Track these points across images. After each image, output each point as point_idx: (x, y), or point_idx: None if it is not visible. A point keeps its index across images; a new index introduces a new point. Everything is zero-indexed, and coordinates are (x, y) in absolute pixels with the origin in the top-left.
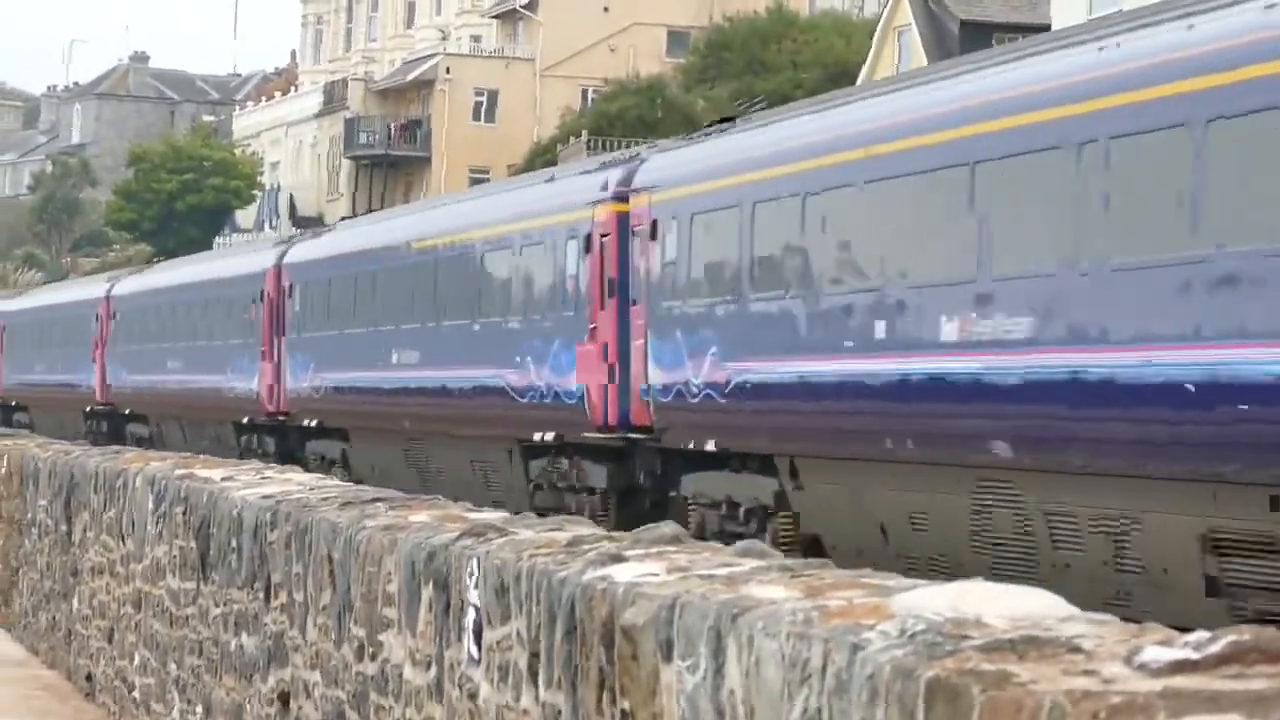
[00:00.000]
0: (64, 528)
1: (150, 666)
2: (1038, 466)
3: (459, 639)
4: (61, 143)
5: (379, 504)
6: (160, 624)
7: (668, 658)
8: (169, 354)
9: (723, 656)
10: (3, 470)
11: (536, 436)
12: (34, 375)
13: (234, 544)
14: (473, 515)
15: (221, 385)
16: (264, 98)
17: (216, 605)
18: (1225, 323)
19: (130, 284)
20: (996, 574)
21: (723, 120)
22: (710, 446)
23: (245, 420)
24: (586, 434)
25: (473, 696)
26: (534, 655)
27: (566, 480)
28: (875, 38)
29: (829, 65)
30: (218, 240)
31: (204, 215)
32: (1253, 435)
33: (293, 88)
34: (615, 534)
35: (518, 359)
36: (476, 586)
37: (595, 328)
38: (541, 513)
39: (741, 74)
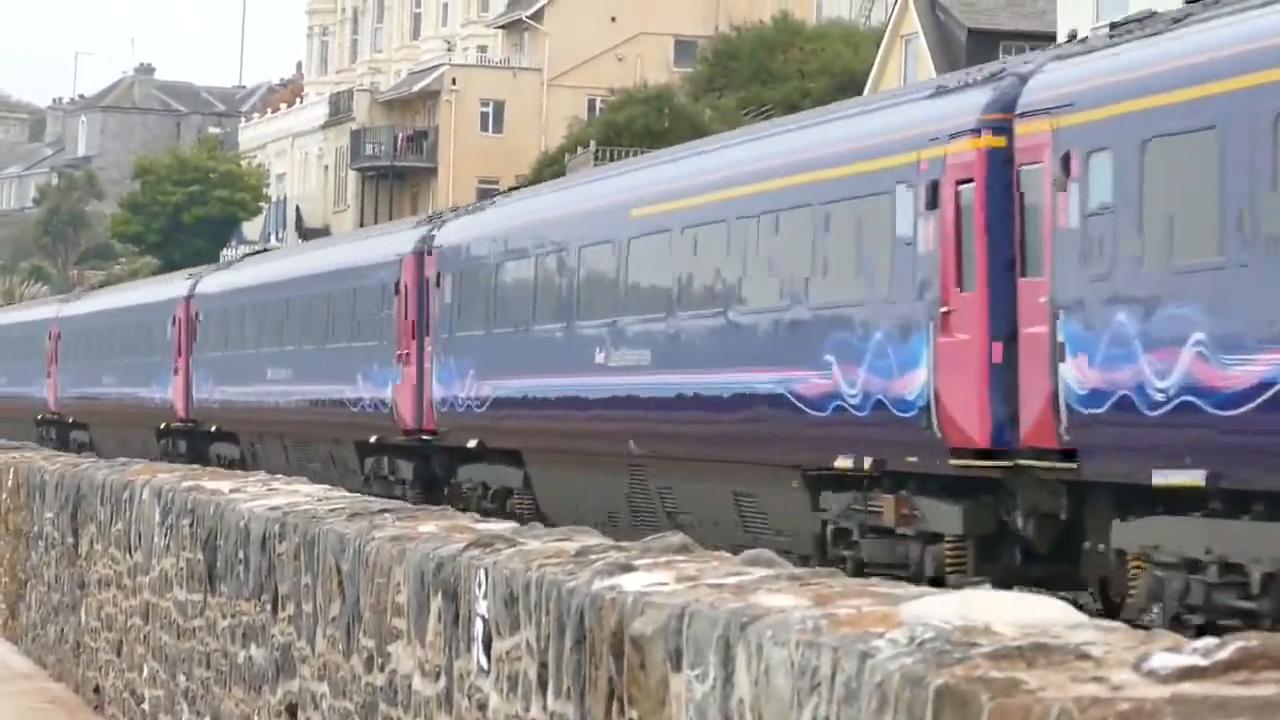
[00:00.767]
0: (71, 540)
1: (159, 678)
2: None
3: (468, 649)
4: (67, 155)
5: (386, 515)
6: (168, 636)
7: (677, 667)
8: (272, 360)
9: (732, 665)
10: (9, 482)
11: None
12: (97, 388)
13: (241, 555)
14: (480, 526)
15: (344, 397)
16: (270, 109)
17: (224, 617)
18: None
19: (219, 280)
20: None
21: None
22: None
23: (373, 440)
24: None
25: (482, 707)
26: (543, 665)
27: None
28: (882, 46)
29: (836, 74)
30: (225, 253)
31: (210, 227)
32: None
33: (298, 99)
34: (623, 544)
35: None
36: (485, 597)
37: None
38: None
39: (749, 83)
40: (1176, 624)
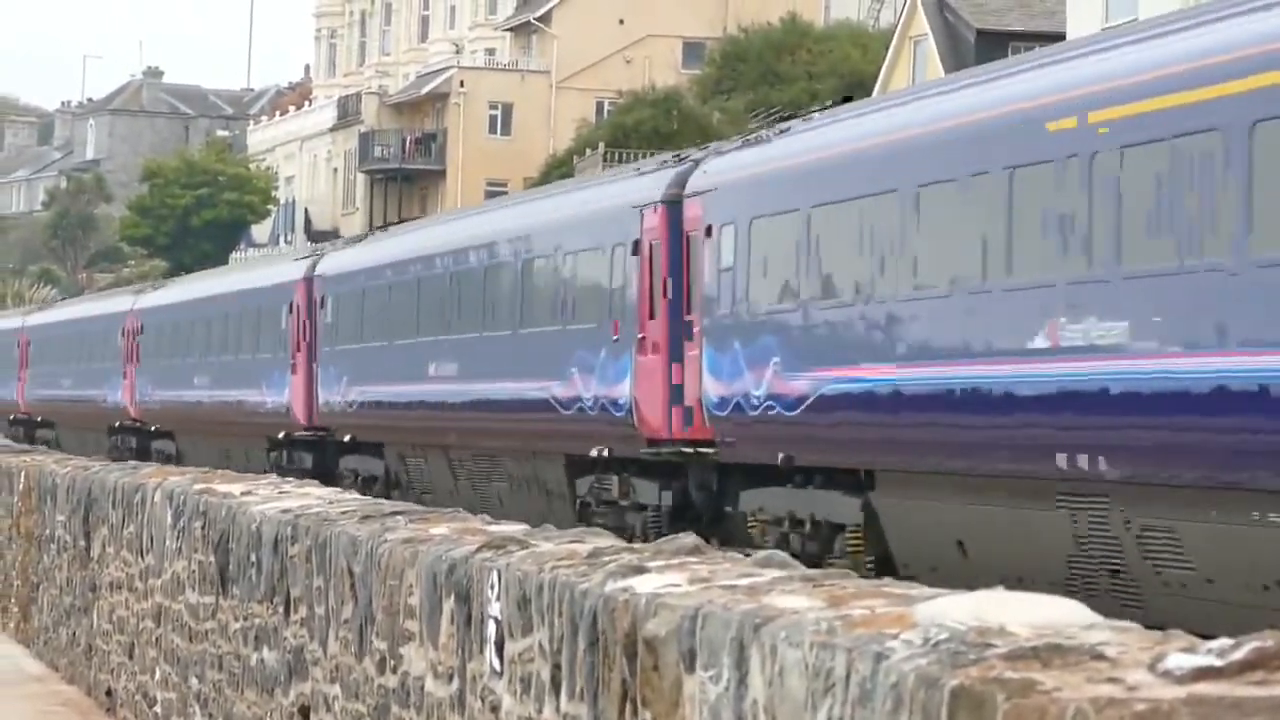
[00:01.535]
0: (83, 543)
1: (171, 681)
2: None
3: (481, 651)
4: (76, 159)
5: (398, 517)
6: (180, 638)
7: (690, 668)
8: (435, 352)
9: (746, 667)
10: (21, 486)
11: None
12: (188, 391)
13: (253, 558)
14: (492, 528)
15: (552, 395)
16: (278, 112)
17: (236, 619)
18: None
19: (347, 258)
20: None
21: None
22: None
23: (597, 453)
24: None
25: (495, 709)
26: (556, 667)
27: None
28: (891, 48)
29: (845, 76)
30: (234, 255)
31: (219, 230)
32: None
33: (307, 102)
34: (636, 545)
35: None
36: (498, 599)
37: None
38: None
39: (757, 85)
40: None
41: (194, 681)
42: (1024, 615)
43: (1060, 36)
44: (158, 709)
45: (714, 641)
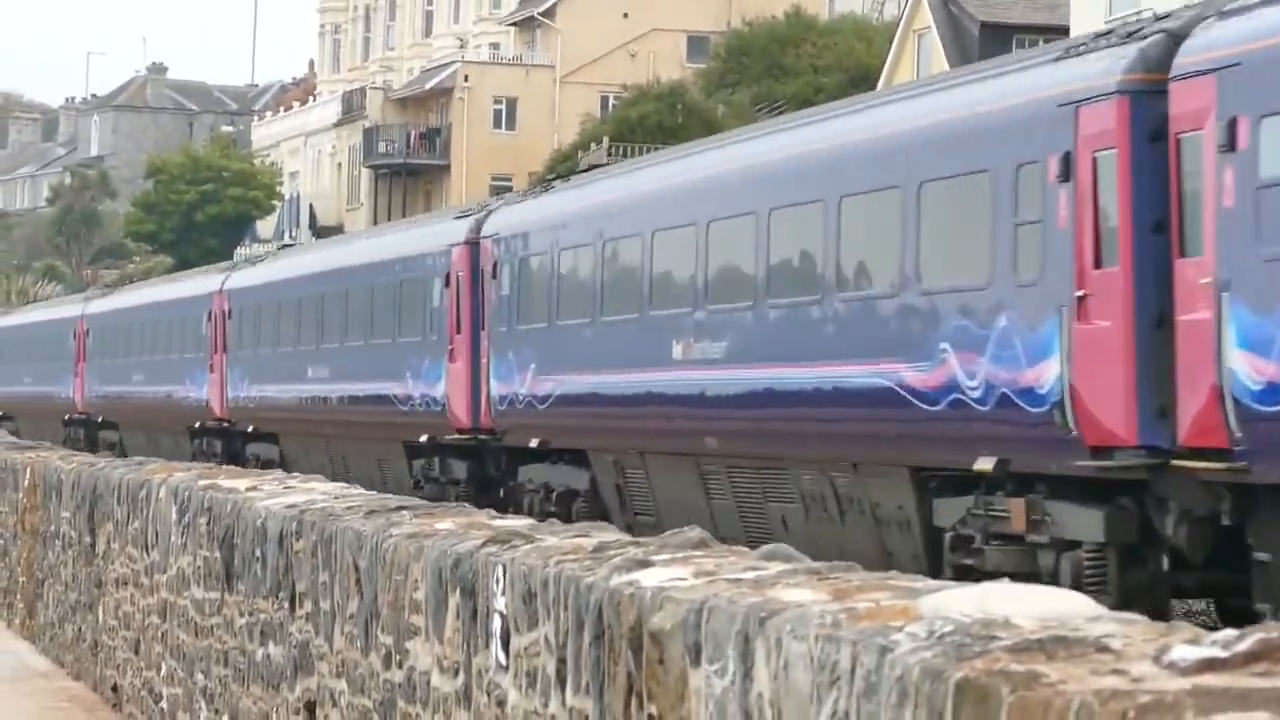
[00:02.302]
0: (88, 539)
1: (177, 676)
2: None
3: (486, 645)
4: (80, 155)
5: (403, 512)
6: (186, 634)
7: (696, 662)
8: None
9: (751, 660)
10: (26, 482)
11: None
12: (296, 385)
13: (258, 553)
14: (497, 522)
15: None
16: (282, 108)
17: (242, 615)
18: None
19: (519, 214)
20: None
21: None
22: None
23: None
24: None
25: (501, 703)
26: (561, 661)
27: None
28: (895, 41)
29: (849, 69)
30: (239, 251)
31: (224, 226)
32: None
33: (311, 97)
34: (641, 539)
35: None
36: (503, 593)
37: None
38: None
39: (761, 78)
40: None
41: (200, 677)
42: (1028, 607)
43: (1064, 30)
44: (163, 704)
45: (719, 635)
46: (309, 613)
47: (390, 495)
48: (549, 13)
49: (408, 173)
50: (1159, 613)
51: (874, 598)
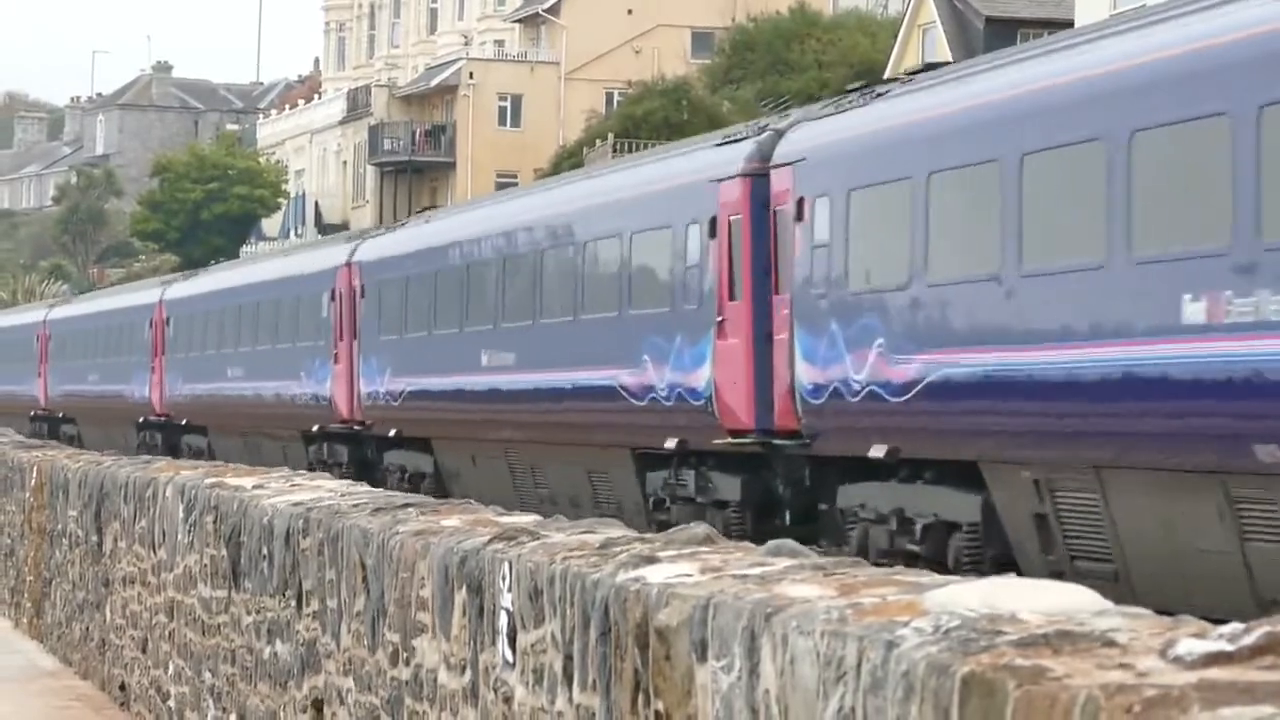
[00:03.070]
0: (95, 538)
1: (184, 675)
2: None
3: (493, 643)
4: (86, 154)
5: (410, 509)
6: (193, 633)
7: (702, 658)
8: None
9: (757, 656)
10: (33, 481)
11: None
12: (448, 378)
13: (265, 551)
14: (504, 519)
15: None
16: (287, 106)
17: (249, 613)
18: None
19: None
20: None
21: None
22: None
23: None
24: None
25: (508, 700)
26: (568, 658)
27: None
28: (899, 36)
29: (854, 64)
30: (244, 249)
31: (230, 224)
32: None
33: (316, 95)
34: (647, 535)
35: None
36: (510, 590)
37: None
38: None
39: (766, 74)
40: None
41: (207, 675)
42: (1034, 602)
43: (1069, 24)
44: (171, 703)
45: (725, 631)
46: (316, 611)
47: (397, 493)
48: (554, 9)
49: (413, 170)
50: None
51: (880, 593)
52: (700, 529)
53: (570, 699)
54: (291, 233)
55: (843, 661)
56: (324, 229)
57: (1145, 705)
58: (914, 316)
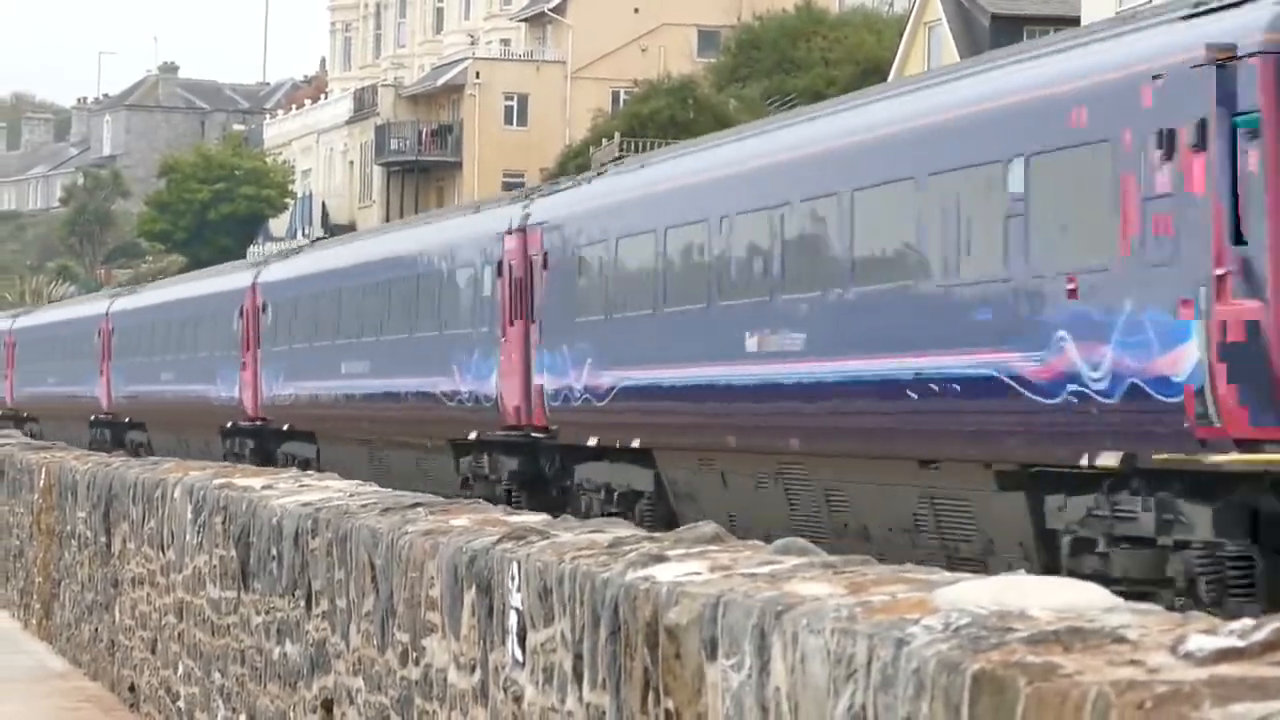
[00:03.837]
0: (104, 539)
1: (194, 676)
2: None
3: (503, 642)
4: (92, 155)
5: (419, 509)
6: (202, 633)
7: (712, 656)
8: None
9: (767, 654)
10: (41, 482)
11: None
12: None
13: (274, 552)
14: (513, 518)
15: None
16: (294, 106)
17: (258, 614)
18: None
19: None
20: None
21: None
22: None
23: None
24: None
25: (518, 699)
26: (578, 657)
27: None
28: (906, 33)
29: (860, 62)
30: (252, 249)
31: (237, 224)
32: None
33: (323, 95)
34: (656, 534)
35: None
36: (519, 589)
37: None
38: None
39: (772, 72)
40: None
41: (217, 676)
42: (1044, 599)
43: (1074, 21)
44: (180, 704)
45: (735, 629)
46: (325, 611)
47: (405, 492)
48: (560, 8)
49: (420, 170)
50: None
51: (890, 591)
52: (709, 528)
53: (580, 698)
54: (299, 233)
55: (853, 659)
56: (331, 229)
57: (1156, 702)
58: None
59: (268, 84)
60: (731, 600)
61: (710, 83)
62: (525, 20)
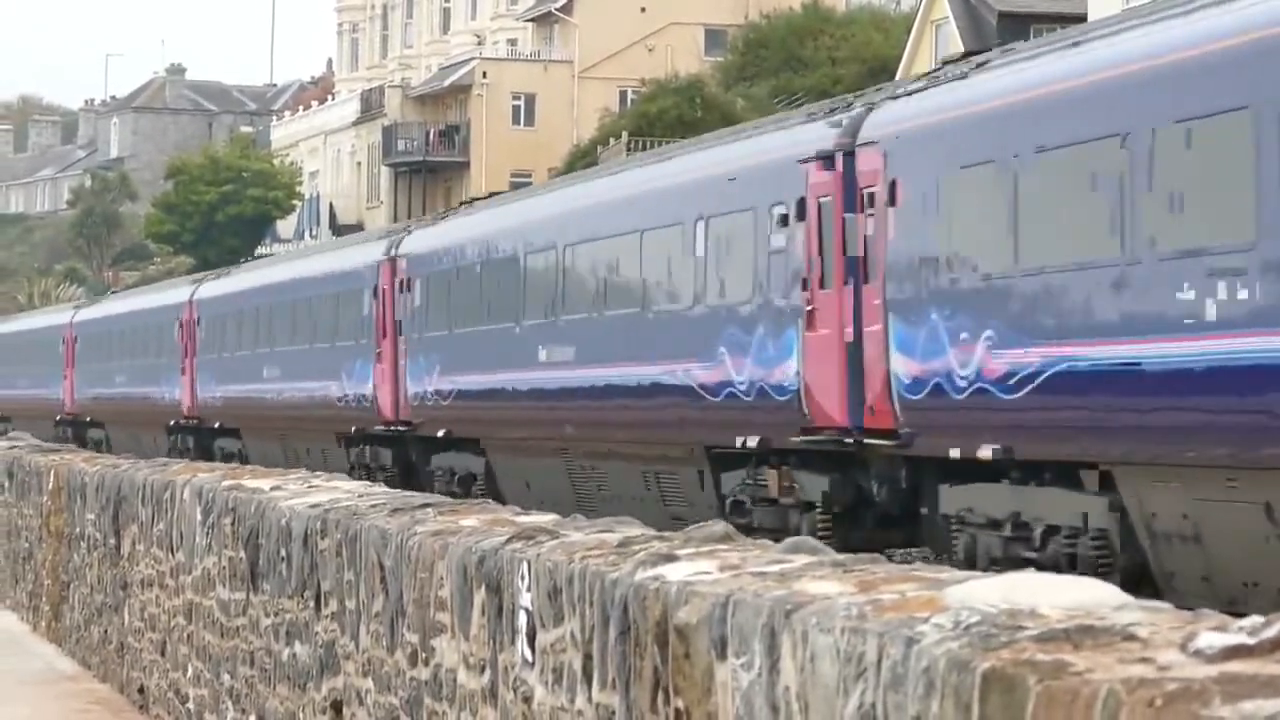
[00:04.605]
0: (113, 541)
1: (203, 678)
2: None
3: (512, 642)
4: (100, 157)
5: (428, 509)
6: (212, 635)
7: (722, 656)
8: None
9: (777, 653)
10: (50, 485)
11: None
12: None
13: (283, 553)
14: (522, 519)
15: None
16: (301, 107)
17: (267, 615)
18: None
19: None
20: None
21: None
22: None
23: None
24: None
25: (527, 699)
26: (588, 657)
27: None
28: (913, 31)
29: (867, 60)
30: (260, 251)
31: (244, 226)
32: None
33: (330, 96)
34: (666, 534)
35: None
36: (528, 589)
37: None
38: None
39: (779, 71)
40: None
41: (226, 678)
42: (1054, 597)
43: (1082, 18)
44: (190, 706)
45: (745, 628)
46: (334, 612)
47: (414, 493)
48: (566, 8)
49: (427, 170)
50: None
51: (899, 589)
52: (719, 527)
53: (590, 698)
54: (307, 234)
55: (863, 658)
56: (339, 230)
57: (1166, 699)
58: None
59: (275, 85)
60: (741, 599)
61: (717, 82)
62: (532, 20)
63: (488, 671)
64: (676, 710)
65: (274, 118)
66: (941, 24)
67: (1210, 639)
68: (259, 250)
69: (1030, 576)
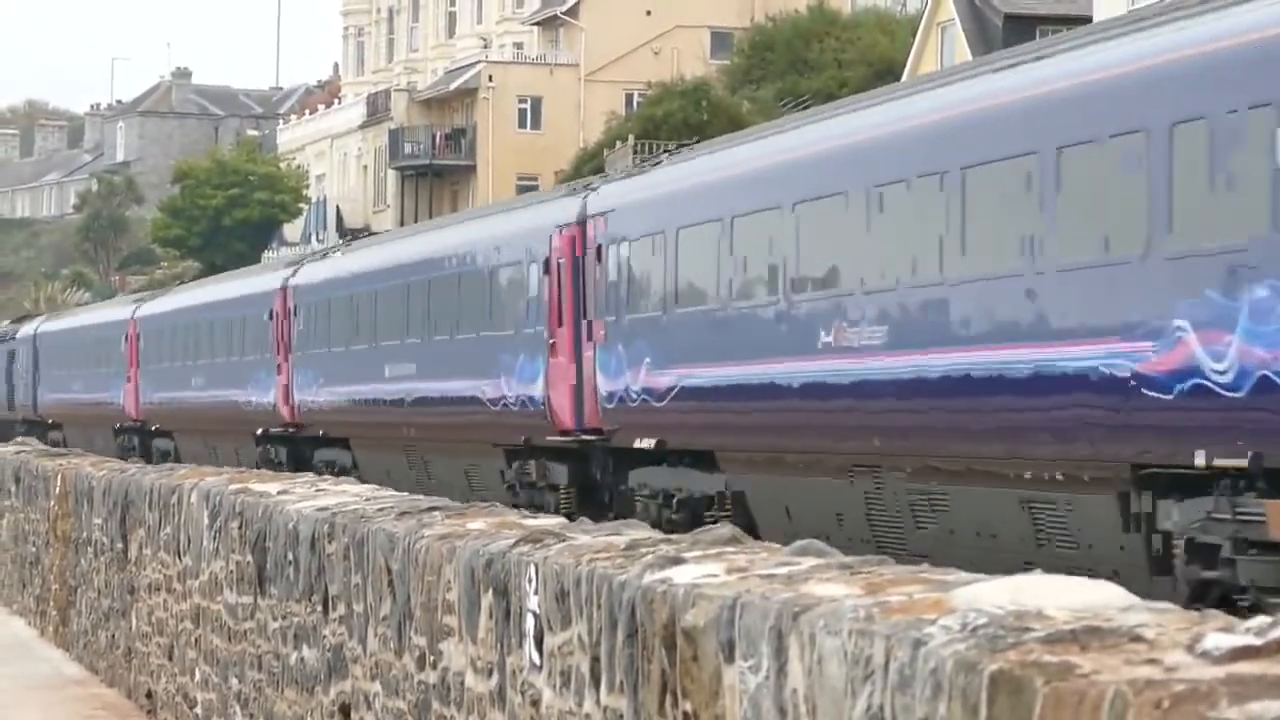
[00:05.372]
0: (120, 545)
1: (211, 682)
2: None
3: (520, 645)
4: (106, 161)
5: (435, 513)
6: (219, 639)
7: (729, 658)
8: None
9: (785, 656)
10: (57, 489)
11: None
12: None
13: (291, 557)
14: (529, 522)
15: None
16: (307, 111)
17: (275, 619)
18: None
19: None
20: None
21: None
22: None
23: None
24: None
25: (535, 703)
26: (595, 660)
27: None
28: (919, 34)
29: (873, 63)
30: (266, 255)
31: (251, 230)
32: None
33: (336, 100)
34: (673, 536)
35: None
36: (536, 592)
37: None
38: None
39: (785, 74)
40: None
41: (234, 682)
42: (1061, 598)
43: (1086, 20)
44: (198, 710)
45: (752, 631)
46: (342, 615)
47: (421, 496)
48: (572, 11)
49: (434, 174)
50: None
51: (906, 591)
52: (726, 530)
53: (598, 701)
54: (313, 238)
55: (870, 660)
56: (346, 233)
57: (1174, 700)
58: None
59: (281, 89)
60: (748, 602)
61: (724, 84)
62: (538, 23)
63: (495, 675)
64: (684, 713)
65: (280, 121)
66: (947, 26)
67: (1217, 640)
68: (266, 255)
69: (1037, 578)
